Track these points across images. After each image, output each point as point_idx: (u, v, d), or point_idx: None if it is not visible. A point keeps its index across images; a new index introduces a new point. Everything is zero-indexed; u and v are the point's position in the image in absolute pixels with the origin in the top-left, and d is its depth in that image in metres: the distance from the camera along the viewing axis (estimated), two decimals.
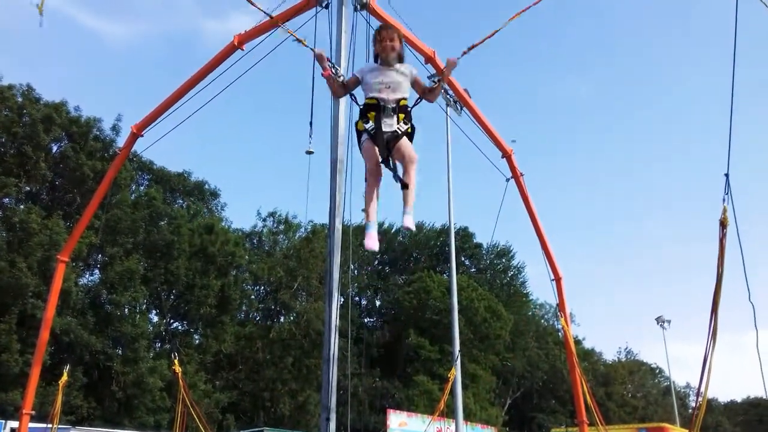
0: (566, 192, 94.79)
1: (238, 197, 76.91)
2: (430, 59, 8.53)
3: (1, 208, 28.39)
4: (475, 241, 56.13)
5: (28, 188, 29.62)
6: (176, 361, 12.83)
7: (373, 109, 5.44)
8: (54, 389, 16.14)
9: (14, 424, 15.04)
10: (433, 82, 5.77)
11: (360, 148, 5.63)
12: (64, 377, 11.05)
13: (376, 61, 5.64)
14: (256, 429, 27.96)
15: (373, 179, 5.61)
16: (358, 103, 5.72)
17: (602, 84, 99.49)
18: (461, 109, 14.81)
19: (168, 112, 8.89)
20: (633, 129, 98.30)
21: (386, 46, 5.52)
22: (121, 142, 10.20)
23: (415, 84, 5.68)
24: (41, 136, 28.26)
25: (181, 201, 38.77)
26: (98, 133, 31.12)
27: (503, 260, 58.62)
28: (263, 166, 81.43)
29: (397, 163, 5.50)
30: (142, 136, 9.36)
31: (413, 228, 5.73)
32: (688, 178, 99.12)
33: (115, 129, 31.20)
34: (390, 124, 5.42)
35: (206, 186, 39.75)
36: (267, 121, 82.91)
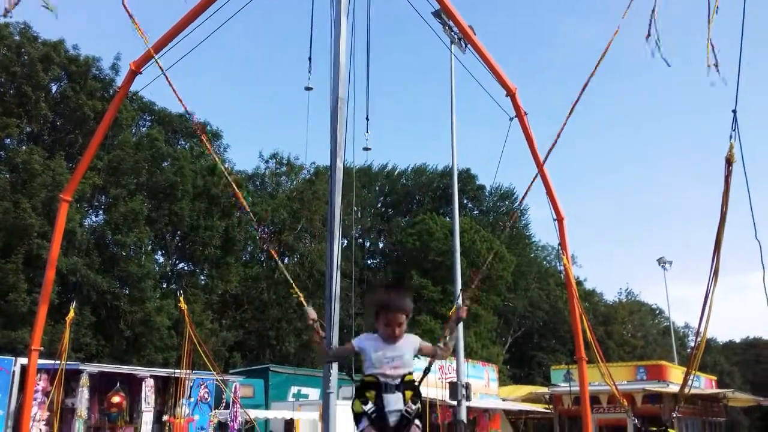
0: (570, 134, 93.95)
1: (240, 138, 76.68)
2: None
3: (3, 149, 28.33)
4: (477, 182, 56.17)
5: (29, 129, 29.47)
6: (181, 298, 13.00)
7: (373, 387, 4.64)
8: (62, 328, 16.40)
9: (24, 360, 15.36)
10: (439, 347, 5.03)
11: None
12: (71, 313, 11.25)
13: (374, 332, 4.84)
14: (262, 366, 28.59)
15: None
16: (353, 380, 5.03)
17: (609, 26, 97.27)
18: (465, 46, 14.53)
19: (167, 48, 8.70)
20: (637, 71, 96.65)
21: (392, 331, 4.71)
22: (120, 81, 10.03)
23: (420, 352, 4.90)
24: (40, 76, 27.94)
25: (183, 142, 38.59)
26: (97, 72, 30.76)
27: (506, 202, 58.74)
28: (264, 105, 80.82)
29: None
30: (140, 73, 9.17)
31: None
32: (693, 119, 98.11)
33: (115, 68, 30.84)
34: (395, 405, 4.61)
35: (208, 127, 39.48)
36: (268, 58, 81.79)
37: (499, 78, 9.48)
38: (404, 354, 4.70)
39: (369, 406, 4.59)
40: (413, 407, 4.64)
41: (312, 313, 5.10)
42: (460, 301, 5.33)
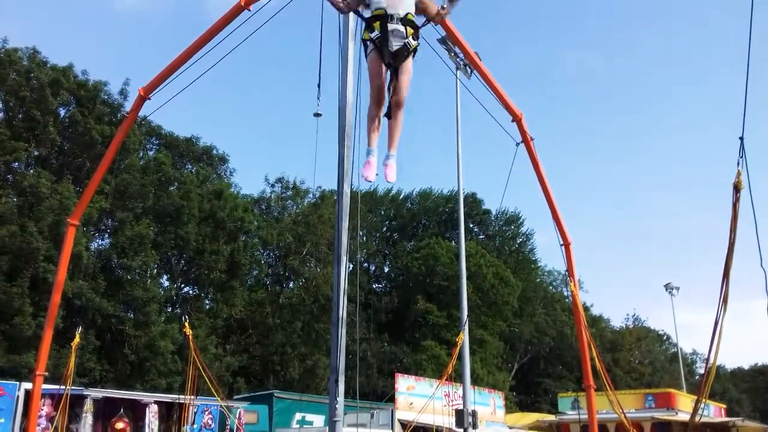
0: (577, 159, 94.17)
1: (246, 163, 77.02)
2: None
3: (11, 173, 28.49)
4: (483, 207, 56.11)
5: (37, 153, 29.65)
6: (187, 323, 12.95)
7: (379, 19, 5.45)
8: (67, 352, 16.37)
9: (28, 385, 15.28)
10: (442, 7, 5.78)
11: (368, 65, 5.60)
12: (77, 339, 11.20)
13: None
14: (266, 392, 28.36)
15: (376, 101, 5.62)
16: (363, 18, 5.76)
17: (614, 53, 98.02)
18: (471, 72, 14.61)
19: (175, 74, 8.79)
20: (644, 97, 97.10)
21: None
22: (128, 106, 10.15)
23: (420, 4, 5.70)
24: (49, 100, 28.19)
25: (189, 166, 38.77)
26: (106, 97, 31.04)
27: (512, 227, 58.62)
28: (271, 130, 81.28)
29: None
30: (149, 99, 9.27)
31: (394, 179, 5.74)
32: (701, 146, 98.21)
33: (123, 93, 31.11)
34: (399, 34, 5.42)
35: (214, 151, 39.71)
36: (274, 84, 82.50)
37: (505, 104, 9.51)
38: None
39: (375, 33, 5.43)
40: (413, 42, 5.50)
41: None
42: None
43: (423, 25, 5.81)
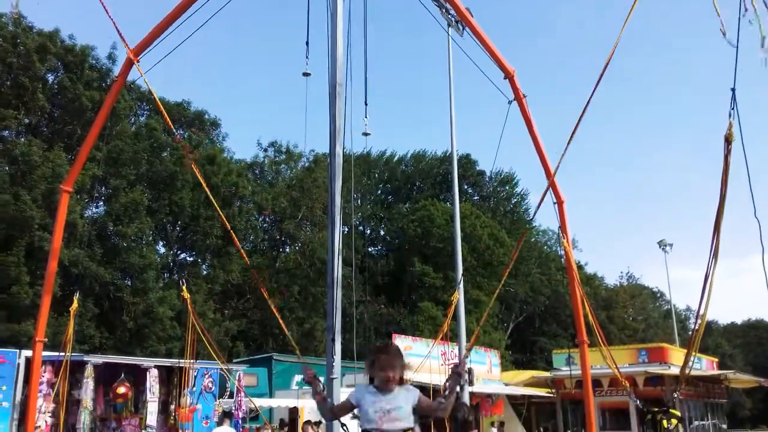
0: (570, 117, 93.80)
1: (238, 127, 76.45)
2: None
3: (1, 141, 28.27)
4: (477, 168, 56.08)
5: (27, 120, 29.39)
6: (184, 288, 12.98)
7: None
8: (65, 320, 16.40)
9: (29, 352, 15.39)
10: (440, 402, 4.54)
11: None
12: (75, 304, 11.19)
13: (371, 382, 4.49)
14: (266, 355, 28.68)
15: None
16: None
17: (606, 9, 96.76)
18: (463, 29, 14.43)
19: (163, 35, 8.65)
20: (637, 51, 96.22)
21: (386, 377, 4.34)
22: (117, 70, 9.99)
23: (418, 407, 4.48)
24: (37, 66, 27.83)
25: (181, 131, 38.50)
26: (94, 62, 30.63)
27: (506, 188, 58.71)
28: (262, 93, 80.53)
29: None
30: (138, 62, 9.13)
31: None
32: (693, 101, 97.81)
33: (111, 58, 30.72)
34: None
35: (206, 116, 39.38)
36: (266, 44, 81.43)
37: (498, 61, 9.40)
38: (401, 405, 4.32)
39: None
40: None
41: (311, 370, 4.92)
42: (462, 361, 5.25)
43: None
